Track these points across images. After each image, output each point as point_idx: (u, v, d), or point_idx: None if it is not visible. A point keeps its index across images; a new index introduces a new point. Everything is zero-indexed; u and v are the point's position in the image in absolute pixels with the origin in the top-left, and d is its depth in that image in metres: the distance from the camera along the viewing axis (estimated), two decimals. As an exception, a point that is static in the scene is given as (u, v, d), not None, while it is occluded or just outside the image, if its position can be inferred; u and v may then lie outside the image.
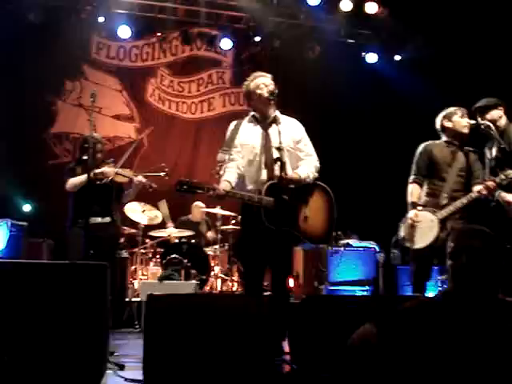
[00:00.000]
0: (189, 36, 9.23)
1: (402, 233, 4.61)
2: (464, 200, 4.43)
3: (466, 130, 4.62)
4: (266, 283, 4.37)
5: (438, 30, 8.21)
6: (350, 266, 7.32)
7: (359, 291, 7.27)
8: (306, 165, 4.20)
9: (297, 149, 4.21)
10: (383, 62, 9.62)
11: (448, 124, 4.67)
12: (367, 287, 7.33)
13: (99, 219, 5.10)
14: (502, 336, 2.23)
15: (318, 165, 4.28)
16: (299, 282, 8.65)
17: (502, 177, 4.37)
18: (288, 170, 4.00)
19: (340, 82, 8.87)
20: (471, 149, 4.69)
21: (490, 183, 4.38)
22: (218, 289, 7.53)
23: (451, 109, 4.71)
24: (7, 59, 8.10)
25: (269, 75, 4.27)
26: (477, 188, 4.44)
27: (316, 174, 4.24)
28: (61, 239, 6.11)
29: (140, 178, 5.25)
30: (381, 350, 2.17)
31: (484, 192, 4.38)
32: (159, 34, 9.15)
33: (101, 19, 8.54)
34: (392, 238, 5.19)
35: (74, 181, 5.02)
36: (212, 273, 7.52)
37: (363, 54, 9.61)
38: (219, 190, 3.92)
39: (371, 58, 9.60)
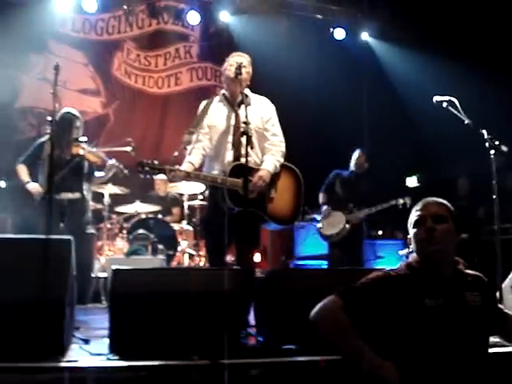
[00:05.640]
0: (155, 9, 9.14)
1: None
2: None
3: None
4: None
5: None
6: (316, 241, 7.38)
7: (325, 265, 7.35)
8: (271, 154, 4.17)
9: (264, 129, 4.21)
10: (351, 39, 9.64)
11: None
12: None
13: (70, 195, 5.08)
14: (470, 308, 2.30)
15: (284, 149, 4.25)
16: (266, 257, 8.73)
17: None
18: (255, 149, 3.99)
19: (308, 58, 8.84)
20: None
21: None
22: (186, 264, 7.53)
23: None
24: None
25: (245, 56, 4.26)
26: None
27: (282, 160, 4.22)
28: (25, 215, 6.01)
29: (113, 162, 5.26)
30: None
31: None
32: (125, 7, 8.98)
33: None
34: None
35: (19, 172, 5.17)
36: (179, 248, 7.52)
37: (331, 29, 9.60)
38: (180, 171, 3.93)
39: (339, 34, 9.59)
